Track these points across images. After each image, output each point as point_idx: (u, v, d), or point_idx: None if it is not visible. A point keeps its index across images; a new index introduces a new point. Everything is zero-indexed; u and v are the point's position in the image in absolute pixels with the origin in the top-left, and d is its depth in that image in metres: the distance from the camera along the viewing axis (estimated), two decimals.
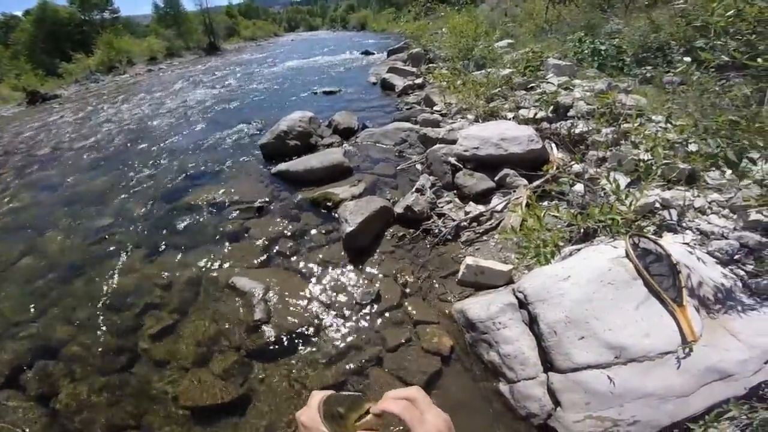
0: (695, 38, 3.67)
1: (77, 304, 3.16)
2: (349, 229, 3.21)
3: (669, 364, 1.75)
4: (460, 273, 2.74)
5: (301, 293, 2.94)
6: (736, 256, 2.21)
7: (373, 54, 13.81)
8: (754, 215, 2.31)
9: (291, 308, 2.80)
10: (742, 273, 2.13)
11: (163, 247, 3.75)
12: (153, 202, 4.67)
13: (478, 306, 2.35)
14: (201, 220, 4.09)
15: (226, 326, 2.71)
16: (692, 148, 2.72)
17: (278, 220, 3.86)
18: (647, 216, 2.64)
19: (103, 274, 3.45)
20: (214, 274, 3.23)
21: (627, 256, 2.14)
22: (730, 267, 2.17)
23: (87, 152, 6.92)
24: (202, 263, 3.41)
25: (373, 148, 4.98)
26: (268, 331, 2.63)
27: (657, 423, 1.64)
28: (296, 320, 2.70)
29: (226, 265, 3.34)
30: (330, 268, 3.17)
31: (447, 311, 2.57)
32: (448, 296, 2.69)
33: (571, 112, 4.03)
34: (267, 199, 4.21)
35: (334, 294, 2.91)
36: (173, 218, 4.19)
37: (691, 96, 3.17)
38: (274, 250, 3.46)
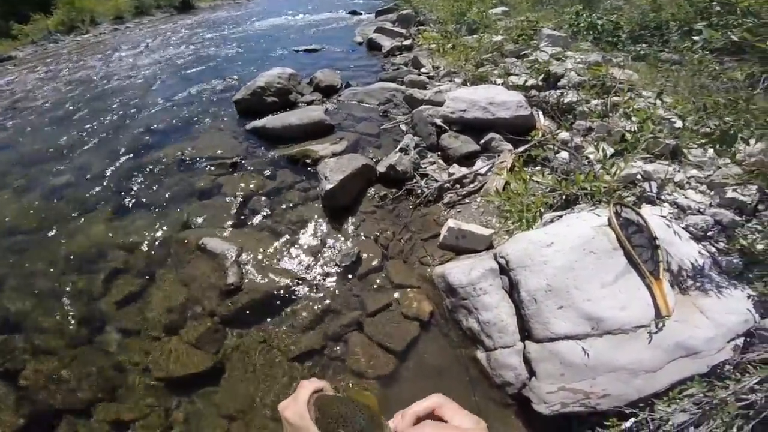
0: (695, 20, 3.57)
1: (36, 270, 2.89)
2: (328, 186, 3.02)
3: (641, 338, 1.74)
4: (442, 236, 2.66)
5: (277, 255, 2.77)
6: (710, 233, 2.22)
7: (361, 14, 12.81)
8: (730, 193, 2.30)
9: (266, 271, 2.65)
10: (713, 250, 2.15)
11: (128, 206, 3.44)
12: (116, 159, 4.23)
13: (458, 271, 2.28)
14: (169, 177, 3.76)
15: (197, 291, 2.56)
16: (679, 124, 2.69)
17: (253, 177, 3.58)
18: (628, 186, 2.62)
19: (63, 237, 3.15)
20: (183, 235, 2.99)
21: (610, 225, 2.09)
22: (703, 243, 2.18)
23: (43, 111, 6.18)
24: (170, 223, 3.14)
25: (356, 107, 4.67)
26: (242, 296, 2.49)
27: (626, 397, 1.63)
28: (272, 284, 2.56)
29: (196, 226, 3.09)
30: (308, 227, 3.00)
31: (428, 275, 2.49)
32: (429, 259, 2.60)
33: (562, 82, 3.89)
34: (241, 156, 3.89)
35: (312, 255, 2.76)
36: (138, 176, 3.83)
37: (683, 76, 3.11)
38: (248, 209, 3.22)
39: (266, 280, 2.59)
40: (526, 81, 4.06)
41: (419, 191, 3.11)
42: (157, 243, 2.98)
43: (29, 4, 16.38)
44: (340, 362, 2.15)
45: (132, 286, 2.67)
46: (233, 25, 12.50)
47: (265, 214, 3.17)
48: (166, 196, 3.49)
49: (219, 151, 4.02)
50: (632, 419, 1.54)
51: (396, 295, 2.45)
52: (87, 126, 5.26)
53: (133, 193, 3.61)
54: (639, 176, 2.66)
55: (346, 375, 2.08)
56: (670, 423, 1.46)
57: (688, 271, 1.98)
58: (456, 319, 2.24)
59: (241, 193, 3.38)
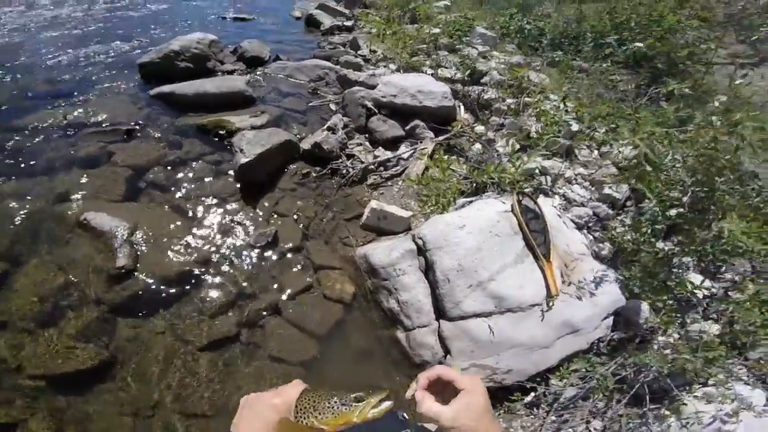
0: (610, 33, 3.92)
1: None
2: (244, 160, 2.67)
3: (535, 315, 1.85)
4: (365, 216, 2.57)
5: (180, 233, 2.37)
6: (590, 223, 2.51)
7: None
8: (607, 189, 2.62)
9: (166, 251, 2.25)
10: (591, 238, 2.43)
11: None
12: None
13: (380, 251, 2.21)
14: (45, 143, 2.96)
15: (78, 276, 2.08)
16: (575, 127, 2.98)
17: (153, 145, 2.98)
18: (528, 179, 2.82)
19: None
20: (61, 210, 2.40)
21: (512, 211, 2.20)
22: (583, 232, 2.45)
23: None
24: (42, 195, 2.50)
25: (284, 82, 4.21)
26: (137, 281, 2.10)
27: (526, 372, 1.72)
28: (173, 266, 2.19)
29: (77, 198, 2.50)
30: (218, 204, 2.62)
31: (350, 256, 2.37)
32: (351, 240, 2.49)
33: (485, 79, 4.02)
34: (141, 122, 3.22)
35: (223, 234, 2.43)
36: (5, 141, 2.95)
37: (585, 83, 3.43)
38: (145, 181, 2.69)
39: (166, 261, 2.21)
40: (454, 74, 4.12)
41: (344, 171, 2.96)
42: (24, 218, 2.34)
43: None
44: (257, 348, 1.95)
45: None
46: None
47: (165, 187, 2.67)
48: (40, 164, 2.75)
49: (113, 117, 3.26)
50: (532, 393, 1.65)
51: (317, 276, 2.30)
52: None
53: None
54: (537, 170, 2.87)
55: (264, 362, 1.90)
56: (564, 396, 1.59)
57: (572, 255, 2.18)
58: (378, 300, 2.18)
59: (137, 163, 2.80)
